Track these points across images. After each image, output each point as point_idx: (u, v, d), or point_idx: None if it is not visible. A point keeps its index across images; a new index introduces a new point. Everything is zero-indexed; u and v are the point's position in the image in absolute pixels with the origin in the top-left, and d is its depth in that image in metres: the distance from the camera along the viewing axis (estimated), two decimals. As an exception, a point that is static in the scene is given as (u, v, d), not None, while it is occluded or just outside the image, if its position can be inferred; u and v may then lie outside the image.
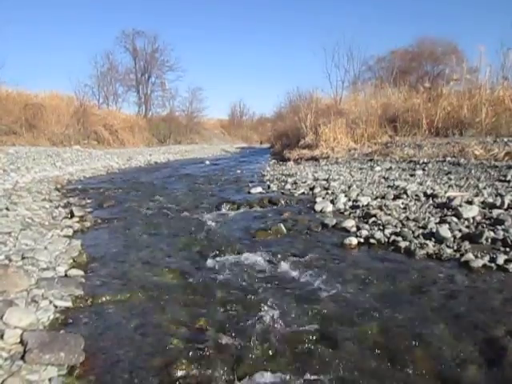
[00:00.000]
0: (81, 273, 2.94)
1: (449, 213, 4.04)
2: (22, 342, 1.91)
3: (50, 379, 1.70)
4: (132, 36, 31.71)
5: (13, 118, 14.89)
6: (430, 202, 4.57)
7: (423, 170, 6.95)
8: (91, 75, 29.15)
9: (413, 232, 3.65)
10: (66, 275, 2.89)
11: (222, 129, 49.57)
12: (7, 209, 4.61)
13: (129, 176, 10.09)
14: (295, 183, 7.25)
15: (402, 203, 4.64)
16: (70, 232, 4.09)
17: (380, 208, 4.52)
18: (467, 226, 3.63)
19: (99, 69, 29.76)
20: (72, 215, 4.79)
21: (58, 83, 25.01)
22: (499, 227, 3.46)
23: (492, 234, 3.36)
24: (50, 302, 2.40)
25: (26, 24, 53.05)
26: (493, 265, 2.89)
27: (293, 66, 70.44)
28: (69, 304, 2.44)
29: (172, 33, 59.53)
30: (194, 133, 35.17)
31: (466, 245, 3.24)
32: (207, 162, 15.30)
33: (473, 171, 6.13)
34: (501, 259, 2.91)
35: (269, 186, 7.21)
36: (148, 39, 31.99)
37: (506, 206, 3.96)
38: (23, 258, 3.04)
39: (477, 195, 4.55)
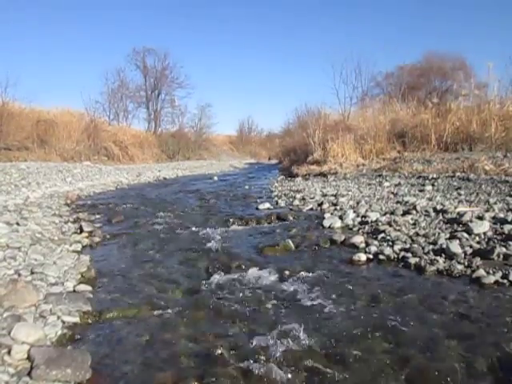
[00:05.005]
0: (89, 288, 2.94)
1: (459, 228, 3.99)
2: (29, 357, 1.90)
3: (56, 396, 1.69)
4: (142, 54, 32.23)
5: (25, 134, 15.13)
6: (440, 217, 4.53)
7: (432, 185, 6.90)
8: (102, 92, 29.63)
9: (423, 248, 3.61)
10: (74, 290, 2.89)
11: (231, 145, 49.84)
12: (18, 224, 4.65)
13: (138, 191, 10.15)
14: (303, 199, 7.23)
15: (412, 219, 4.60)
16: (78, 247, 4.11)
17: (389, 224, 4.48)
18: (478, 242, 3.58)
19: (110, 86, 30.22)
20: (81, 230, 4.82)
21: (69, 99, 25.62)
22: (511, 243, 3.40)
23: (504, 249, 3.30)
24: (58, 317, 2.40)
25: (38, 39, 54.28)
26: (505, 281, 2.84)
27: (301, 83, 70.85)
28: (76, 319, 2.44)
29: (182, 49, 60.39)
30: (202, 149, 35.38)
31: (478, 261, 3.19)
32: (215, 178, 15.34)
33: (483, 186, 6.07)
34: (513, 276, 2.86)
35: (277, 202, 7.20)
36: (158, 57, 32.50)
37: (517, 222, 3.90)
38: (32, 272, 3.05)
39: (487, 210, 4.50)
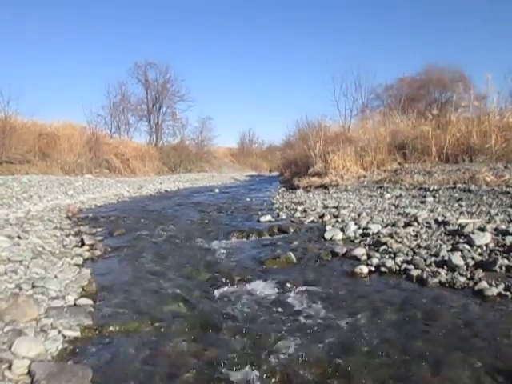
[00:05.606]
0: (90, 302, 2.93)
1: (461, 240, 3.99)
2: (29, 372, 1.89)
3: (56, 412, 1.68)
4: (144, 67, 32.46)
5: (27, 148, 15.20)
6: (442, 229, 4.52)
7: (434, 196, 6.90)
8: (104, 105, 29.80)
9: (424, 260, 3.60)
10: (75, 304, 2.88)
11: (232, 157, 49.97)
12: (19, 237, 4.65)
13: (139, 204, 10.16)
14: (305, 211, 7.23)
15: (413, 230, 4.59)
16: (80, 260, 4.11)
17: (391, 236, 4.48)
18: (480, 254, 3.57)
19: (112, 99, 30.41)
20: (82, 244, 4.82)
21: (71, 113, 25.73)
22: (513, 255, 3.40)
23: (506, 261, 3.30)
24: (59, 331, 2.39)
25: (40, 53, 54.77)
26: (508, 293, 2.83)
27: (302, 95, 71.19)
28: (77, 334, 2.42)
29: (182, 61, 60.76)
30: (203, 161, 35.50)
31: (480, 273, 3.18)
32: (217, 190, 15.35)
33: (484, 197, 6.07)
34: (516, 288, 2.84)
35: (278, 214, 7.20)
36: (160, 70, 32.71)
37: (519, 233, 3.89)
38: (33, 286, 3.05)
39: (489, 222, 4.49)
